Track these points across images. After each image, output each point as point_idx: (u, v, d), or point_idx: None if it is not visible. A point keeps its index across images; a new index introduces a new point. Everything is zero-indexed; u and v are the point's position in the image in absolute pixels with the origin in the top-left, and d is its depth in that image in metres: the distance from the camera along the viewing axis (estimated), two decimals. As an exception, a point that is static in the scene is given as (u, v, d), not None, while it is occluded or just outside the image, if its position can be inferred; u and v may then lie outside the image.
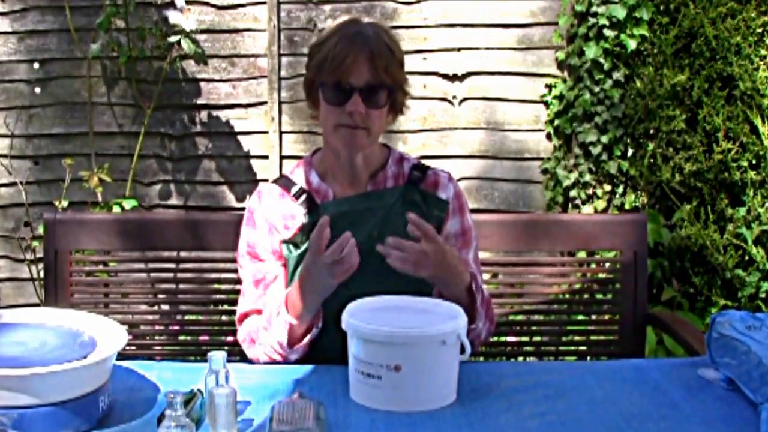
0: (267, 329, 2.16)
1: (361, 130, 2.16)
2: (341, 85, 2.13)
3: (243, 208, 4.11)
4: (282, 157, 4.74)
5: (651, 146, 4.47)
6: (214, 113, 4.75)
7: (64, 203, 4.45)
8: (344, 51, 2.12)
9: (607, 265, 2.92)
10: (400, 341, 1.85)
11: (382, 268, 2.12)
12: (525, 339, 2.91)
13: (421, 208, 2.25)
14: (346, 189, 2.27)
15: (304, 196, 2.25)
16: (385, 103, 2.17)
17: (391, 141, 4.64)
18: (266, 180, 4.55)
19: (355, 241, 2.04)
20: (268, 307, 2.20)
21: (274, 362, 2.18)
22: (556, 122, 4.63)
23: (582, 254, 3.21)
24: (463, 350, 1.91)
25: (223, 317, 2.81)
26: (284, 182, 2.30)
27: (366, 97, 2.13)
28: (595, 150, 4.55)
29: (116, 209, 4.36)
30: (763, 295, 4.13)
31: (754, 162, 4.20)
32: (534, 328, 2.90)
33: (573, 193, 4.61)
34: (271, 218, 2.26)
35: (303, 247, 2.21)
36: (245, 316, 2.27)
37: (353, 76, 2.12)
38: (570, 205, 4.65)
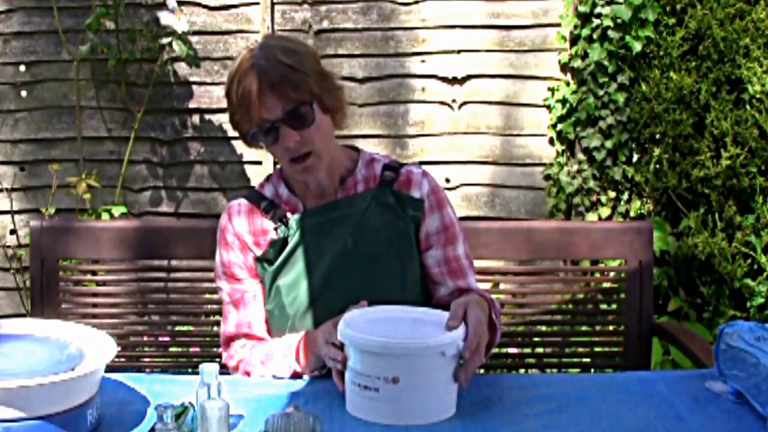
0: (265, 363, 2.15)
1: (311, 157, 2.11)
2: (263, 125, 2.07)
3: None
4: (276, 163, 4.66)
5: (657, 151, 4.45)
6: (206, 117, 4.73)
7: (51, 210, 4.47)
8: (247, 92, 2.06)
9: (612, 274, 2.91)
10: (399, 352, 1.82)
11: (359, 278, 2.15)
12: (527, 350, 2.89)
13: (395, 210, 2.23)
14: (316, 199, 2.24)
15: (273, 210, 2.24)
16: (313, 117, 2.09)
17: (389, 146, 4.67)
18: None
19: (330, 252, 2.11)
20: (265, 345, 2.20)
21: None
22: (559, 127, 4.62)
23: (586, 263, 3.19)
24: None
25: (215, 328, 2.78)
26: (254, 196, 2.28)
27: (292, 124, 2.06)
28: (600, 155, 4.54)
29: (105, 216, 4.37)
30: (772, 305, 4.14)
31: (763, 168, 4.19)
32: (536, 339, 2.88)
33: (576, 199, 4.60)
34: (242, 236, 2.25)
35: (277, 263, 2.21)
36: (230, 339, 2.26)
37: (267, 113, 2.06)
38: (573, 212, 4.63)
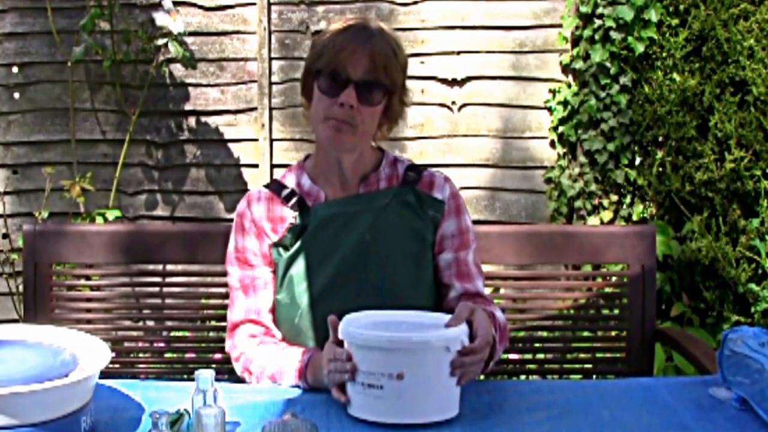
0: (277, 380, 2.12)
1: (348, 126, 2.14)
2: (338, 74, 2.12)
3: (232, 219, 4.01)
4: (273, 166, 4.75)
5: (660, 154, 4.45)
6: (202, 119, 4.73)
7: (45, 214, 4.45)
8: (345, 41, 2.13)
9: (614, 279, 2.88)
10: (403, 347, 1.83)
11: (373, 274, 2.16)
12: (528, 356, 2.91)
13: (416, 209, 2.25)
14: (338, 192, 2.26)
15: (294, 199, 2.25)
16: (379, 102, 2.17)
17: (387, 148, 4.49)
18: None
19: (347, 244, 2.14)
20: (272, 354, 2.15)
21: None
22: (561, 129, 4.62)
23: (588, 268, 3.21)
24: None
25: (211, 334, 2.79)
26: (275, 186, 2.31)
27: (360, 91, 2.12)
28: (602, 158, 4.54)
29: (99, 220, 4.37)
30: (777, 311, 4.13)
31: (767, 171, 4.16)
32: (537, 345, 2.86)
33: (578, 203, 4.59)
34: (259, 222, 2.26)
35: (293, 249, 2.21)
36: (236, 325, 2.26)
37: (351, 68, 2.12)
38: (575, 216, 4.63)
